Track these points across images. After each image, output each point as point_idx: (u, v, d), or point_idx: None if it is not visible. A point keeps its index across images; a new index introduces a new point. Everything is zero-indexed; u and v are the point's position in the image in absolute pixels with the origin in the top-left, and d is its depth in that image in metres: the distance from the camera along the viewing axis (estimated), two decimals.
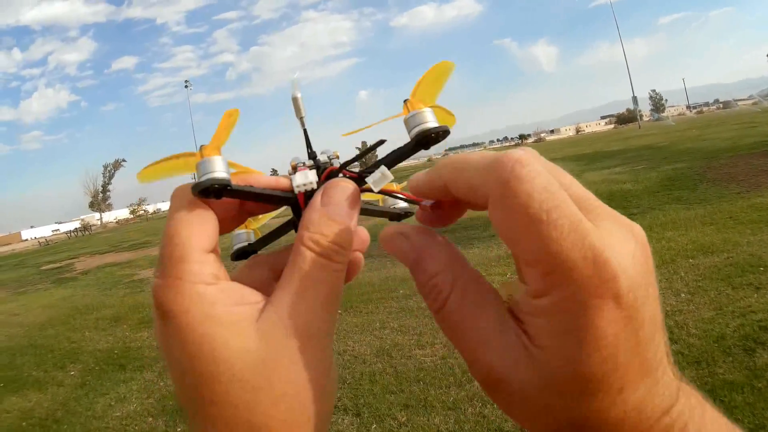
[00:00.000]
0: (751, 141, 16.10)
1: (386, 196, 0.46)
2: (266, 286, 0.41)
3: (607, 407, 0.32)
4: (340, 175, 0.43)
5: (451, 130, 0.39)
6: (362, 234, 0.45)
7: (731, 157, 13.25)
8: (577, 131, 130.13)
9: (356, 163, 0.45)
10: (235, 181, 0.40)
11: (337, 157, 0.45)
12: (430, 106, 0.41)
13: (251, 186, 0.41)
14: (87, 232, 57.39)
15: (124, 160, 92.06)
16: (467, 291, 0.36)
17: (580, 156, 26.41)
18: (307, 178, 0.40)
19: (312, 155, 0.44)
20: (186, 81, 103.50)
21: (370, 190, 0.42)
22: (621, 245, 0.32)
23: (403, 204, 0.46)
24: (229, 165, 0.40)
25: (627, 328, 0.31)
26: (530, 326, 0.33)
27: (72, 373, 6.19)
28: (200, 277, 0.37)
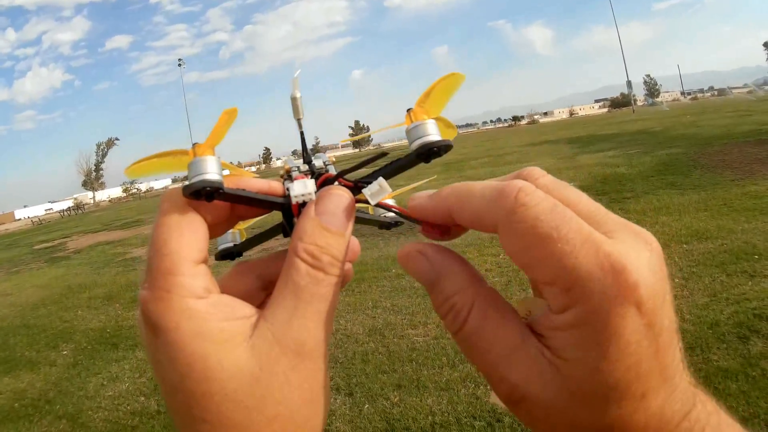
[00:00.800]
0: (746, 129, 16.12)
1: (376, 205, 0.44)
2: (254, 295, 0.42)
3: (630, 414, 0.32)
4: (336, 183, 0.42)
5: (453, 144, 0.38)
6: (354, 244, 0.44)
7: (725, 144, 13.27)
8: (571, 114, 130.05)
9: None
10: (228, 184, 0.38)
11: (333, 163, 0.44)
12: (434, 118, 0.40)
13: (244, 190, 0.40)
14: (80, 211, 57.23)
15: (117, 139, 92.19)
16: (487, 310, 0.36)
17: (573, 139, 26.48)
18: (306, 188, 0.39)
19: (308, 160, 0.43)
20: (179, 59, 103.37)
21: (366, 201, 0.41)
22: (637, 253, 0.32)
23: (392, 213, 0.44)
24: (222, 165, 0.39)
25: (648, 335, 0.32)
26: (553, 340, 0.33)
27: (64, 352, 6.19)
28: (190, 290, 0.36)
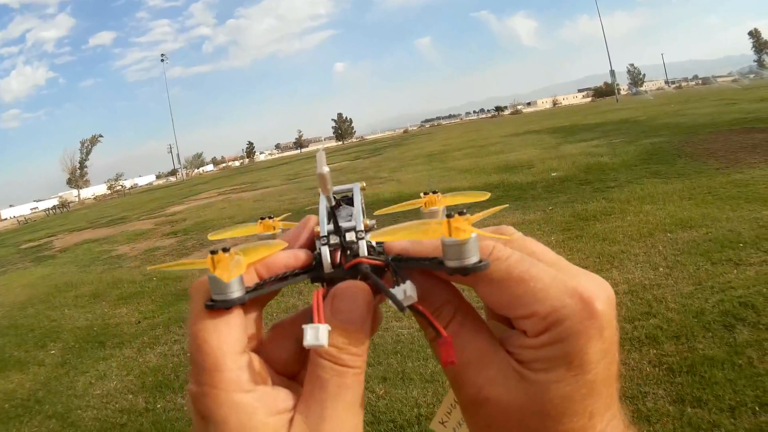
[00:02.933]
0: (731, 117, 16.19)
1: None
2: (295, 360, 0.43)
3: (578, 430, 0.36)
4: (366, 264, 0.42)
5: (489, 265, 0.38)
6: (377, 315, 0.45)
7: (710, 133, 13.34)
8: (554, 104, 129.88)
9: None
10: (250, 275, 0.40)
11: (366, 230, 0.44)
12: (472, 222, 0.39)
13: (267, 280, 0.41)
14: (65, 209, 56.94)
15: (101, 136, 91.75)
16: (465, 320, 0.40)
17: (557, 128, 26.59)
18: (317, 339, 0.37)
19: (338, 231, 0.43)
20: (162, 55, 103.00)
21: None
22: (597, 289, 0.37)
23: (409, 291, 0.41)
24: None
25: (604, 361, 0.36)
26: (523, 355, 0.37)
27: (53, 352, 6.17)
28: (237, 385, 0.37)
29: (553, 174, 11.44)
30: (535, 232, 7.12)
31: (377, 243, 0.44)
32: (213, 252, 0.38)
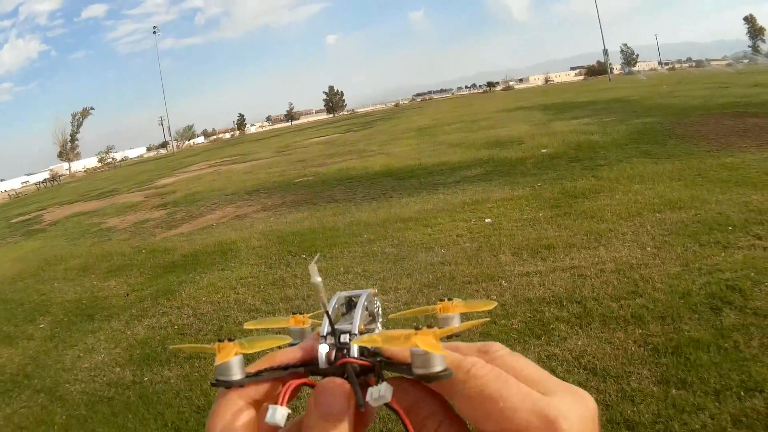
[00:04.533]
0: (723, 101, 16.21)
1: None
2: None
3: None
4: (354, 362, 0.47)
5: (452, 374, 0.42)
6: (368, 413, 0.48)
7: (702, 116, 13.37)
8: (546, 81, 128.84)
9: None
10: (256, 367, 0.46)
11: (361, 333, 0.49)
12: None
13: (266, 370, 0.46)
14: (56, 183, 56.64)
15: (92, 108, 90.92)
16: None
17: (548, 106, 26.53)
18: (274, 418, 0.43)
19: (333, 333, 0.49)
20: (155, 27, 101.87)
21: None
22: (570, 408, 0.38)
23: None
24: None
25: None
26: None
27: (42, 325, 6.20)
28: None
29: (543, 150, 11.47)
30: (524, 207, 7.19)
31: (376, 320, 0.52)
32: (220, 340, 0.45)
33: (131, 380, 4.29)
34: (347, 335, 0.48)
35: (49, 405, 4.23)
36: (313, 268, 0.44)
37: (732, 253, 4.50)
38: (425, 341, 0.42)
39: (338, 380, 0.45)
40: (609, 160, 9.23)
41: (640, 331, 3.58)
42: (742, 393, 2.82)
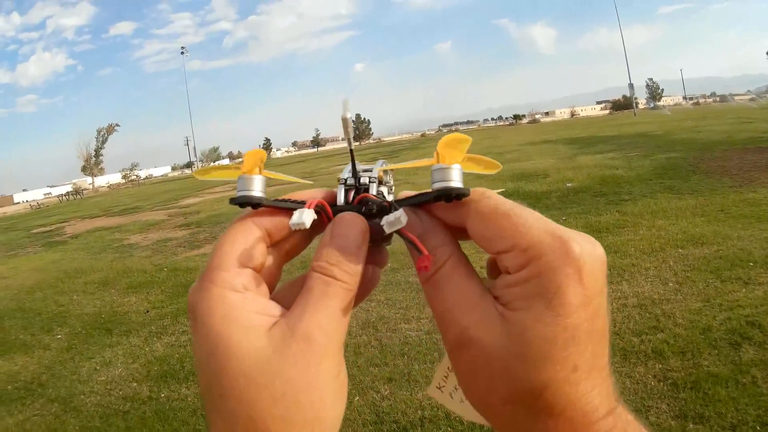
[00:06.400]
0: (746, 136, 16.09)
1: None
2: None
3: (561, 381, 0.36)
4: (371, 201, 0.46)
5: (469, 193, 0.43)
6: (374, 274, 0.49)
7: (725, 151, 13.26)
8: (572, 114, 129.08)
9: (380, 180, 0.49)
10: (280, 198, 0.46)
11: (380, 178, 0.49)
12: (462, 161, 0.45)
13: (283, 200, 0.47)
14: (78, 196, 57.26)
15: (117, 125, 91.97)
16: (458, 264, 0.42)
17: (574, 139, 26.48)
18: (300, 218, 0.43)
19: (355, 174, 0.48)
20: (182, 47, 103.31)
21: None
22: (583, 239, 0.38)
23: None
24: (281, 178, 0.50)
25: (587, 310, 0.36)
26: (505, 296, 0.38)
27: (59, 336, 6.20)
28: (230, 284, 0.41)
29: (568, 184, 11.39)
30: None
31: (389, 193, 0.50)
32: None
33: (148, 396, 4.28)
34: (366, 178, 0.48)
35: (62, 415, 4.23)
36: (346, 102, 0.44)
37: (753, 289, 4.44)
38: (451, 155, 0.43)
39: (355, 214, 0.45)
40: (633, 195, 9.16)
41: (660, 365, 3.54)
42: (758, 427, 2.79)
